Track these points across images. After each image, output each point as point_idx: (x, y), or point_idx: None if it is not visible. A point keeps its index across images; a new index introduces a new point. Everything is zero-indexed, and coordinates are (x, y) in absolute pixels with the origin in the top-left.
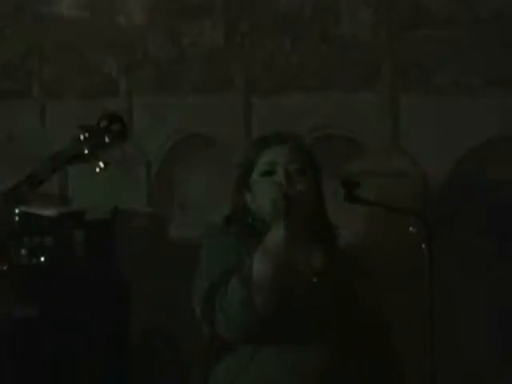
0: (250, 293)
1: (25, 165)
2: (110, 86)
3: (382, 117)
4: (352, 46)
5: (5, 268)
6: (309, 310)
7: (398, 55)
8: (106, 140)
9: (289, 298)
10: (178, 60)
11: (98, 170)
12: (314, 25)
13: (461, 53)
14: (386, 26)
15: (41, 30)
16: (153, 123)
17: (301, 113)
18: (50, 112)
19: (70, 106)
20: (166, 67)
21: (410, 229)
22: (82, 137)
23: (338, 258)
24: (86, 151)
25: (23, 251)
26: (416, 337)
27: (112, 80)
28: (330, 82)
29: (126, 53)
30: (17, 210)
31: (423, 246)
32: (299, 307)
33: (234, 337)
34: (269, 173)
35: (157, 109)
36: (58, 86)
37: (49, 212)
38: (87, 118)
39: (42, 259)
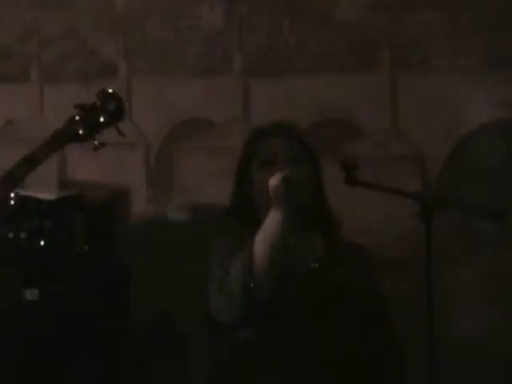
0: (249, 276)
1: (24, 149)
2: (108, 70)
3: (381, 99)
4: (350, 28)
5: None
6: (308, 297)
7: (396, 37)
8: (102, 120)
9: (288, 283)
10: (176, 43)
11: (94, 149)
12: (313, 7)
13: (459, 34)
14: (384, 8)
15: (39, 14)
16: (152, 106)
17: (300, 95)
18: (48, 96)
19: (68, 90)
20: (164, 50)
21: (409, 212)
22: (77, 117)
23: (338, 245)
24: (82, 131)
25: (22, 235)
26: (415, 320)
27: (111, 63)
28: (328, 64)
29: (125, 36)
30: (12, 194)
31: (422, 228)
32: (299, 293)
33: (233, 320)
34: (268, 163)
35: (156, 92)
36: (56, 70)
37: (48, 195)
38: (86, 101)
39: (42, 243)
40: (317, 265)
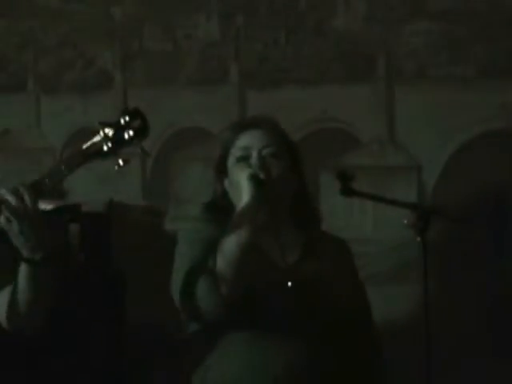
0: (215, 279)
1: (21, 159)
2: (105, 80)
3: (378, 110)
4: (347, 39)
5: None
6: (283, 298)
7: (393, 48)
8: (126, 137)
9: (259, 284)
10: (173, 53)
11: (116, 167)
12: (310, 18)
13: (456, 45)
14: (380, 19)
15: (36, 23)
16: (148, 116)
17: (296, 106)
18: (45, 106)
19: (65, 100)
20: (161, 60)
21: (405, 221)
22: (101, 133)
23: (319, 242)
24: (105, 148)
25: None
26: (411, 330)
27: (107, 73)
28: (325, 74)
29: (121, 46)
30: None
31: (418, 238)
32: (272, 294)
33: (202, 323)
34: (243, 158)
35: (152, 102)
36: (53, 80)
37: (44, 205)
38: (82, 111)
39: None
40: (289, 269)
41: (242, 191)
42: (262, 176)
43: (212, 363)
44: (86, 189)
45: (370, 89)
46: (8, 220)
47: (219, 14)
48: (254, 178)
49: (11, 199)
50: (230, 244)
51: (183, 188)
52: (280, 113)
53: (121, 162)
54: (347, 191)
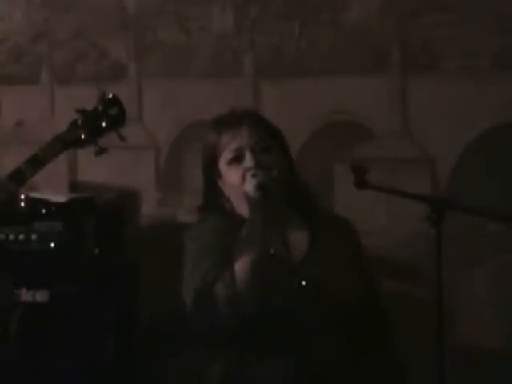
0: (235, 294)
1: (35, 150)
2: (119, 71)
3: (392, 102)
4: (361, 31)
5: None
6: (294, 298)
7: (406, 40)
8: (104, 124)
9: (272, 287)
10: (187, 45)
11: (95, 154)
12: (324, 10)
13: (469, 36)
14: (395, 11)
15: (50, 15)
16: (162, 108)
17: (310, 98)
18: (59, 97)
19: (79, 91)
20: (175, 52)
21: (419, 214)
22: (79, 121)
23: (323, 229)
24: (83, 136)
25: (33, 237)
26: (425, 323)
27: (121, 65)
28: (339, 67)
29: (135, 37)
30: (22, 196)
31: (432, 231)
32: (283, 295)
33: (224, 334)
34: (236, 159)
35: (166, 94)
36: (67, 71)
37: (58, 197)
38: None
39: (52, 245)
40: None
41: (249, 204)
42: (264, 181)
43: (217, 364)
44: (100, 181)
45: (383, 81)
46: None
47: (233, 6)
48: (259, 189)
49: None
50: (247, 262)
51: (196, 179)
52: (294, 105)
53: (99, 150)
54: (361, 184)
